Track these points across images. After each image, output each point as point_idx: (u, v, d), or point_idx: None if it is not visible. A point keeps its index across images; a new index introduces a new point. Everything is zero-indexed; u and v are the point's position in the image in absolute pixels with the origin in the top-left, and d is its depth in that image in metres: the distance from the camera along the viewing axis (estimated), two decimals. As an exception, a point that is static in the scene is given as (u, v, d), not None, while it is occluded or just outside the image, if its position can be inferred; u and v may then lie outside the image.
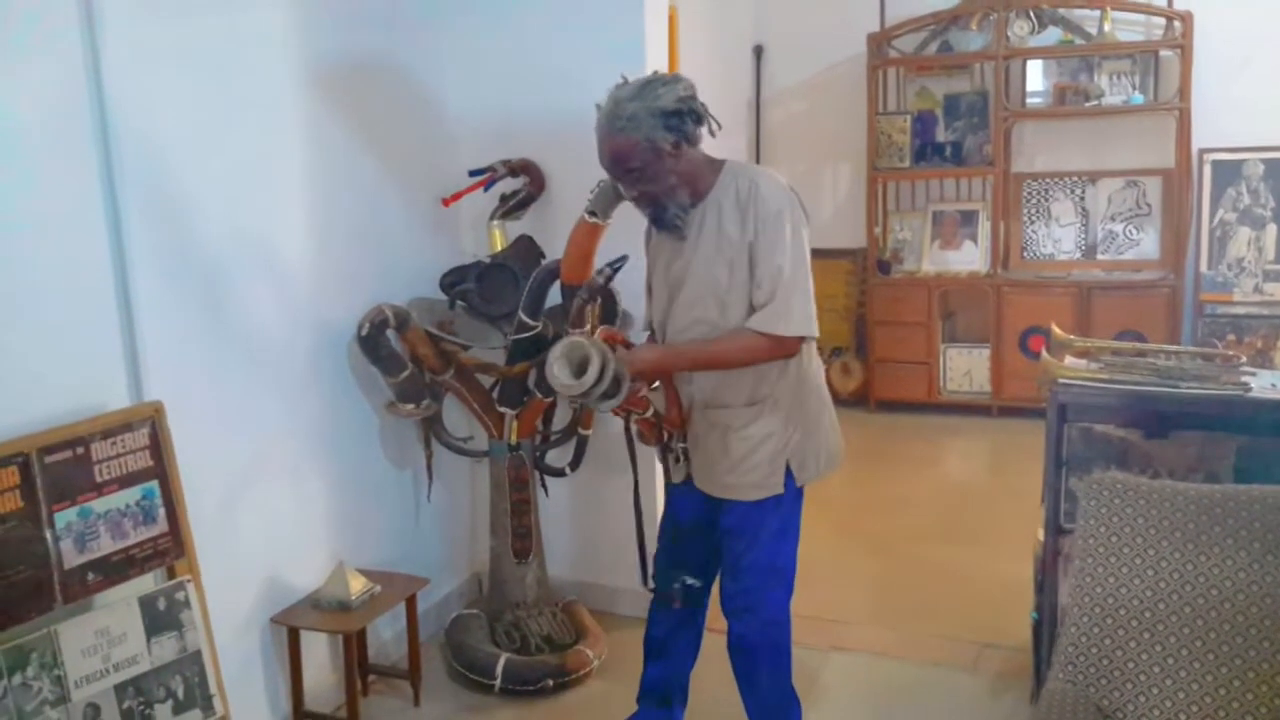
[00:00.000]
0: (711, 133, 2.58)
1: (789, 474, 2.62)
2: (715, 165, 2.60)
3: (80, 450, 2.31)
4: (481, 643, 3.39)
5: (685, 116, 2.49)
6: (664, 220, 2.57)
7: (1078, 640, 2.11)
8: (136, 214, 2.51)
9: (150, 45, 2.54)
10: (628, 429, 2.71)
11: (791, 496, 2.66)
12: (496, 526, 3.48)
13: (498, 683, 3.26)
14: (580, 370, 2.35)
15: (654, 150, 2.47)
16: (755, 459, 2.60)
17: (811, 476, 2.67)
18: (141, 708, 2.36)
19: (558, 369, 2.37)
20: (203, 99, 2.71)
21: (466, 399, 3.43)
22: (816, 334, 2.55)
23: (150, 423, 2.46)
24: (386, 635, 3.46)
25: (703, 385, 2.64)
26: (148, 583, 2.47)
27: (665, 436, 2.68)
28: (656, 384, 2.64)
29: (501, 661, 3.28)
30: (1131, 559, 2.10)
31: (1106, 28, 5.95)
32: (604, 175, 2.66)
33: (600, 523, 3.81)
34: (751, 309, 2.51)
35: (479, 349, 3.38)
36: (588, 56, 3.50)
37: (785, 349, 2.52)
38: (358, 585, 3.05)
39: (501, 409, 3.39)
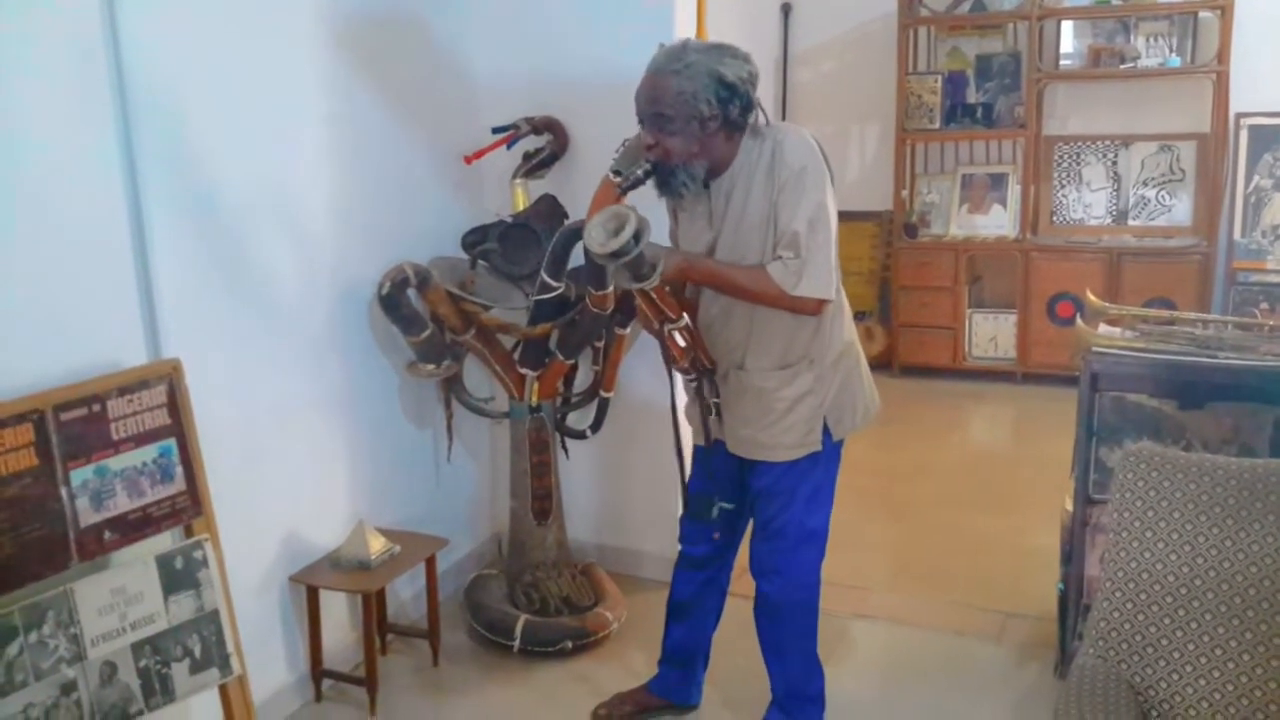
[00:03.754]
0: (756, 126, 2.49)
1: (825, 430, 2.59)
2: (739, 138, 2.50)
3: (96, 407, 2.27)
4: (500, 603, 3.38)
5: (737, 97, 2.40)
6: (669, 185, 2.48)
7: (1109, 615, 2.06)
8: (154, 169, 2.46)
9: (168, -5, 2.48)
10: (663, 345, 2.65)
11: (828, 454, 2.63)
12: (516, 488, 3.45)
13: (516, 643, 3.25)
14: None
15: (691, 108, 2.38)
16: (792, 418, 2.56)
17: (849, 429, 2.64)
18: (158, 666, 2.35)
19: (595, 231, 2.30)
20: (223, 51, 2.65)
21: (487, 359, 3.39)
22: (831, 297, 2.47)
23: (168, 380, 2.43)
24: (405, 595, 3.45)
25: (736, 348, 2.59)
26: (165, 541, 2.45)
27: (697, 365, 2.62)
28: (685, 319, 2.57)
29: (520, 622, 3.27)
30: (1167, 533, 2.04)
31: (1145, -13, 5.81)
32: (629, 134, 2.59)
33: (621, 486, 3.79)
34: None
35: (500, 309, 3.34)
36: (615, 13, 3.44)
37: (799, 305, 2.46)
38: (377, 545, 3.03)
39: (523, 370, 3.35)
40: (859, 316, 6.69)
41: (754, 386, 2.58)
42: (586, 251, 2.35)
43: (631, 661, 3.23)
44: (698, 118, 2.40)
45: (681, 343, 2.58)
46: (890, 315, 6.56)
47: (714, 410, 2.66)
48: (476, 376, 3.62)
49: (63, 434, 2.20)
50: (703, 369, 2.63)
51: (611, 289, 3.06)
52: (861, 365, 2.69)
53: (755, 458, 2.64)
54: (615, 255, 2.26)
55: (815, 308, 2.47)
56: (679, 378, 2.73)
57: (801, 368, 2.55)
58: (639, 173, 2.48)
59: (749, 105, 2.45)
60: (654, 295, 2.45)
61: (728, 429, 2.66)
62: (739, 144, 2.49)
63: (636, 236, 2.25)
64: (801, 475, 2.61)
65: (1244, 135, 5.82)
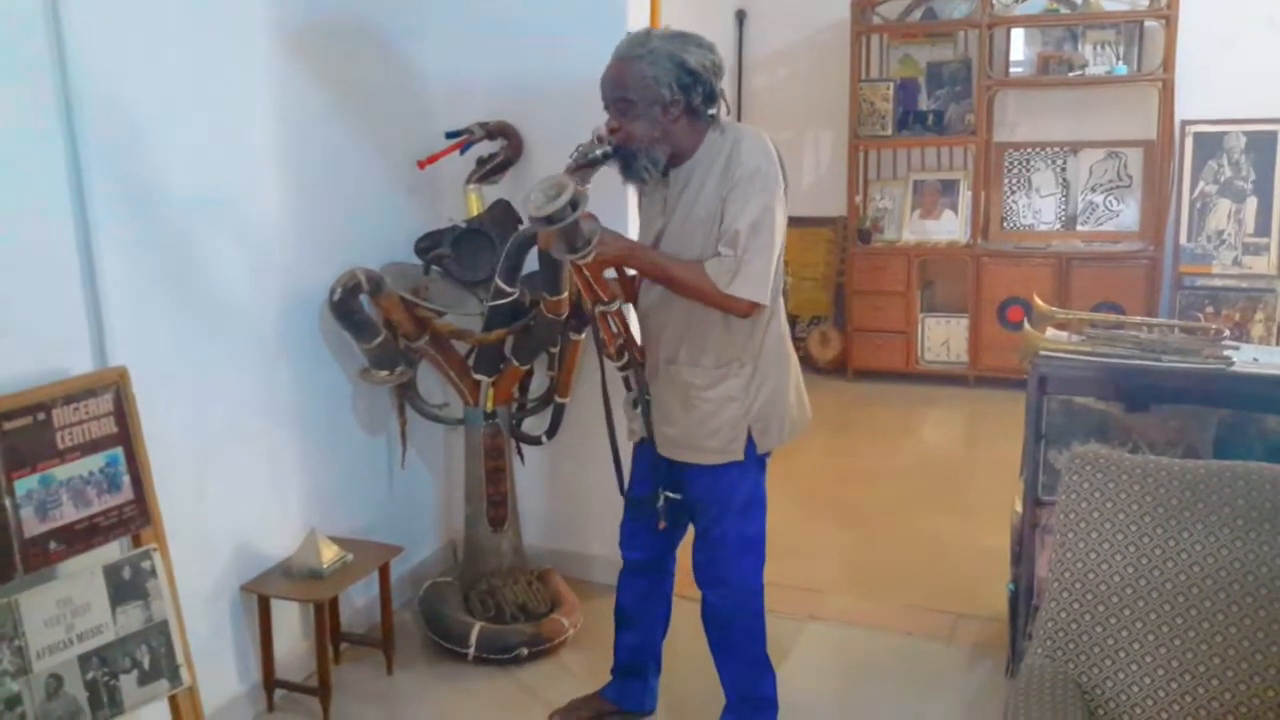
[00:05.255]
0: (718, 116, 2.52)
1: (750, 441, 2.59)
2: (704, 128, 2.52)
3: (41, 416, 2.24)
4: (455, 611, 3.36)
5: (700, 84, 2.43)
6: (632, 169, 2.50)
7: (1057, 616, 2.09)
8: (100, 174, 2.43)
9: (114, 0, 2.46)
10: (594, 327, 2.68)
11: (755, 465, 2.64)
12: (471, 494, 3.44)
13: (471, 651, 3.23)
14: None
15: (654, 92, 2.41)
16: (715, 423, 2.57)
17: (773, 443, 2.63)
18: (106, 678, 2.31)
19: (535, 195, 2.33)
20: (171, 54, 2.63)
21: (442, 365, 3.38)
22: (764, 302, 2.46)
23: (115, 388, 2.40)
24: (359, 603, 3.43)
25: (669, 340, 2.60)
26: (113, 551, 2.42)
27: (623, 354, 2.66)
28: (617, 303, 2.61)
29: (475, 630, 3.25)
30: (1112, 534, 2.08)
31: (1092, -4, 5.91)
32: (583, 139, 2.60)
33: (577, 491, 3.78)
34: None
35: (455, 315, 3.33)
36: (568, 18, 3.44)
37: (730, 305, 2.45)
38: (329, 553, 3.01)
39: (477, 376, 3.34)
40: (814, 321, 6.75)
41: (682, 381, 2.58)
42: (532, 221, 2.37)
43: (587, 667, 3.22)
44: (660, 102, 2.42)
45: (612, 328, 2.61)
46: (844, 320, 6.61)
47: (642, 406, 2.67)
48: (431, 383, 3.61)
49: (6, 443, 2.17)
50: (630, 360, 2.65)
51: (566, 294, 3.07)
52: (793, 379, 2.68)
53: (678, 458, 2.65)
54: (549, 220, 2.29)
55: (746, 309, 2.46)
56: (610, 372, 2.76)
57: (731, 370, 2.56)
58: (598, 154, 2.48)
59: (712, 93, 2.47)
60: (588, 272, 2.47)
61: (655, 427, 2.67)
62: (703, 135, 2.51)
63: (573, 204, 2.28)
64: (733, 484, 2.62)
65: (1189, 142, 5.94)
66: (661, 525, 2.76)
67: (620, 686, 2.98)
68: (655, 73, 2.40)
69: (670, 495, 2.72)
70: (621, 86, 2.44)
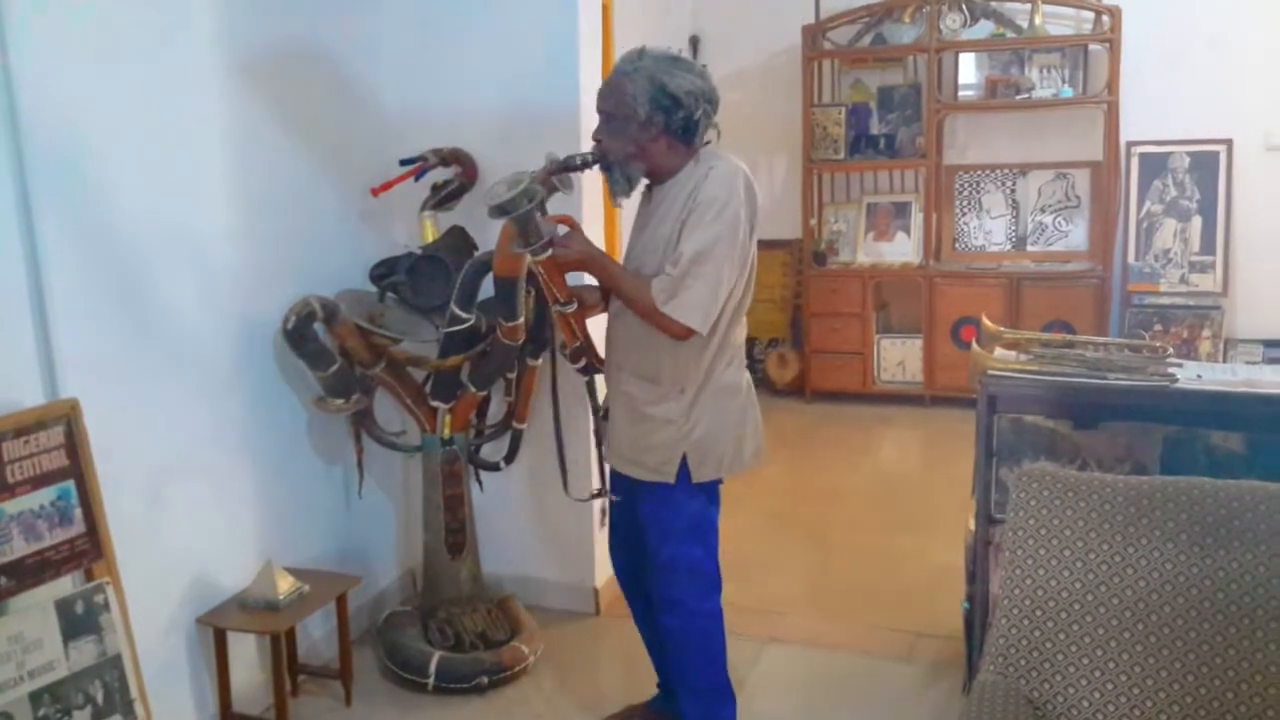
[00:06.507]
0: (695, 143, 2.57)
1: (687, 469, 2.59)
2: (690, 153, 2.58)
3: (-9, 450, 2.22)
4: (414, 640, 3.34)
5: (681, 108, 2.48)
6: (610, 178, 2.58)
7: (1008, 632, 2.12)
8: (50, 204, 2.41)
9: (62, 28, 2.44)
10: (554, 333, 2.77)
11: (700, 492, 2.64)
12: (430, 522, 3.43)
13: (431, 681, 3.22)
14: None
15: (629, 109, 2.47)
16: (651, 440, 2.60)
17: (711, 475, 2.63)
18: (59, 715, 2.28)
19: (498, 187, 2.42)
20: (121, 82, 2.62)
21: (398, 393, 3.37)
22: (698, 328, 2.47)
23: (65, 421, 2.38)
24: (317, 634, 3.40)
25: (623, 349, 2.65)
26: (65, 585, 2.39)
27: (579, 356, 2.76)
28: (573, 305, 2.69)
29: (435, 659, 3.24)
30: (1061, 551, 2.11)
31: (1037, 21, 6.02)
32: (536, 166, 2.62)
33: (536, 517, 3.78)
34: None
35: (411, 342, 3.32)
36: (521, 47, 3.48)
37: (665, 324, 2.49)
38: (286, 584, 2.98)
39: (434, 403, 3.34)
40: (772, 344, 6.79)
41: (625, 393, 2.64)
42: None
43: (548, 694, 3.22)
44: (635, 120, 2.48)
45: (574, 330, 2.69)
46: (802, 342, 6.66)
47: (602, 413, 2.73)
48: (387, 410, 3.60)
49: (-46, 479, 2.15)
50: (587, 365, 2.72)
51: (522, 320, 3.08)
52: (737, 414, 2.65)
53: (618, 469, 2.70)
54: (502, 210, 2.38)
55: (679, 332, 2.49)
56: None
57: (672, 393, 2.58)
58: (577, 161, 2.57)
59: (692, 119, 2.50)
60: (542, 270, 2.56)
61: (609, 436, 2.73)
62: (685, 159, 2.56)
63: (528, 197, 2.37)
64: (676, 508, 2.63)
65: (1135, 162, 6.07)
66: (603, 525, 2.83)
67: (665, 698, 2.99)
68: (634, 90, 2.46)
69: (612, 497, 2.84)
70: (605, 100, 2.53)
